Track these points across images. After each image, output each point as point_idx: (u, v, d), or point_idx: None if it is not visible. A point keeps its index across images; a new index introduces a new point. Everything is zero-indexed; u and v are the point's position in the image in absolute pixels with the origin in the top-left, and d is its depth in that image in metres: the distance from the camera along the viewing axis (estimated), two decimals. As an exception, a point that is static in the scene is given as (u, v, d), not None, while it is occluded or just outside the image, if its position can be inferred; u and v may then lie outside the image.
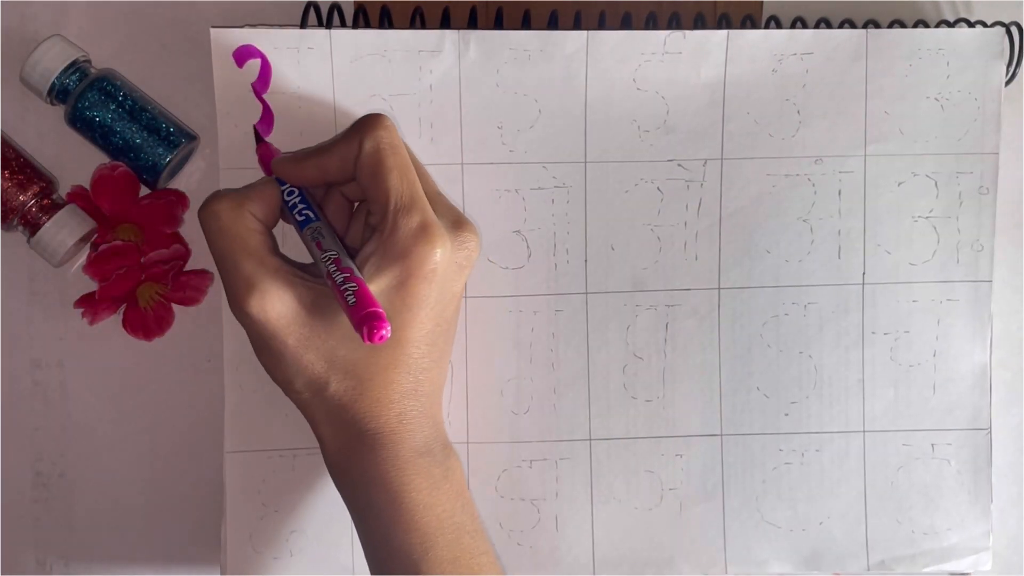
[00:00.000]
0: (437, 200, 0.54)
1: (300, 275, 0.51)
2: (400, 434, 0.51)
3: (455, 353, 0.60)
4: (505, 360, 0.60)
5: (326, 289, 0.51)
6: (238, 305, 0.50)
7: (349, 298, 0.48)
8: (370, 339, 0.47)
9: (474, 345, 0.60)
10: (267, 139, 0.57)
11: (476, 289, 0.60)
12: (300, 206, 0.53)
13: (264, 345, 0.51)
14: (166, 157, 0.59)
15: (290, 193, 0.54)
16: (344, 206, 0.56)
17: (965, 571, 0.62)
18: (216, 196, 0.52)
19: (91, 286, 0.59)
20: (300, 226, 0.53)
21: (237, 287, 0.50)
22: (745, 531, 0.61)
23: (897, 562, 0.62)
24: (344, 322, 0.50)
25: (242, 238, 0.50)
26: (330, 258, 0.50)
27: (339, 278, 0.49)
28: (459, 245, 0.52)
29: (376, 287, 0.50)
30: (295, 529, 0.60)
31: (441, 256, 0.51)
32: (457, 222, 0.53)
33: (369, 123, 0.51)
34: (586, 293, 0.60)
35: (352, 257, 0.51)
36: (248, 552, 0.59)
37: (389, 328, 0.47)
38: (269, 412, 0.59)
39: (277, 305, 0.50)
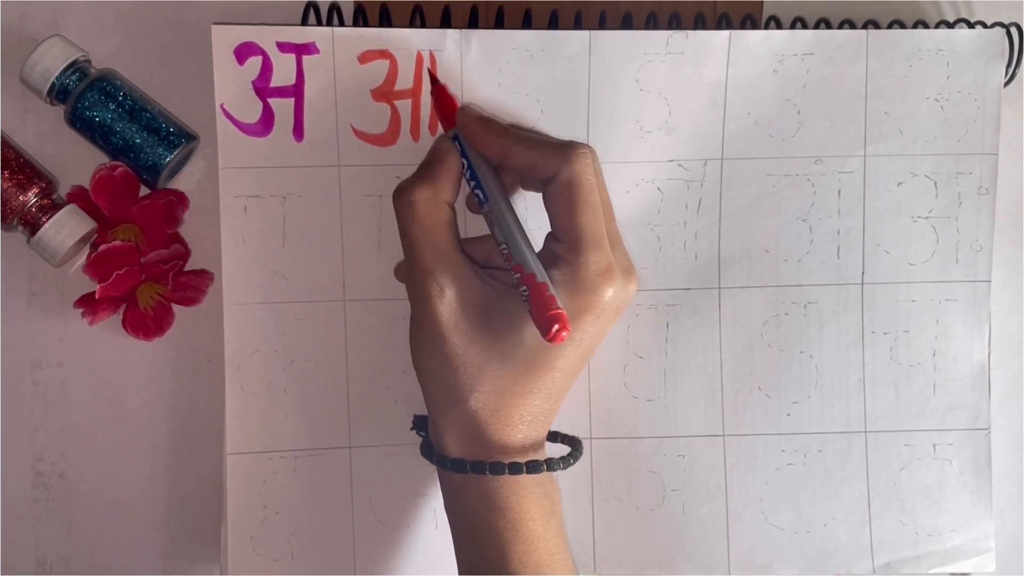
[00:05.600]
0: (616, 242, 0.54)
1: (481, 275, 0.53)
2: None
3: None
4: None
5: (500, 294, 0.52)
6: (415, 291, 0.52)
7: (526, 293, 0.50)
8: (553, 338, 0.48)
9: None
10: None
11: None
12: (472, 183, 0.53)
13: (423, 335, 0.52)
14: (166, 157, 0.59)
15: (463, 155, 0.54)
16: (509, 183, 0.56)
17: (969, 572, 0.62)
18: (413, 185, 0.53)
19: (91, 286, 0.58)
20: (480, 204, 0.53)
21: (418, 276, 0.52)
22: (749, 533, 0.61)
23: (902, 564, 0.62)
24: (506, 335, 0.51)
25: (433, 231, 0.52)
26: (503, 253, 0.52)
27: (516, 276, 0.51)
28: (622, 290, 0.53)
29: None
30: (296, 531, 0.59)
31: (611, 297, 0.52)
32: (628, 269, 0.54)
33: (571, 152, 0.52)
34: (588, 291, 0.60)
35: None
36: (249, 554, 0.59)
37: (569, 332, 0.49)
38: (270, 413, 0.59)
39: (448, 306, 0.51)
